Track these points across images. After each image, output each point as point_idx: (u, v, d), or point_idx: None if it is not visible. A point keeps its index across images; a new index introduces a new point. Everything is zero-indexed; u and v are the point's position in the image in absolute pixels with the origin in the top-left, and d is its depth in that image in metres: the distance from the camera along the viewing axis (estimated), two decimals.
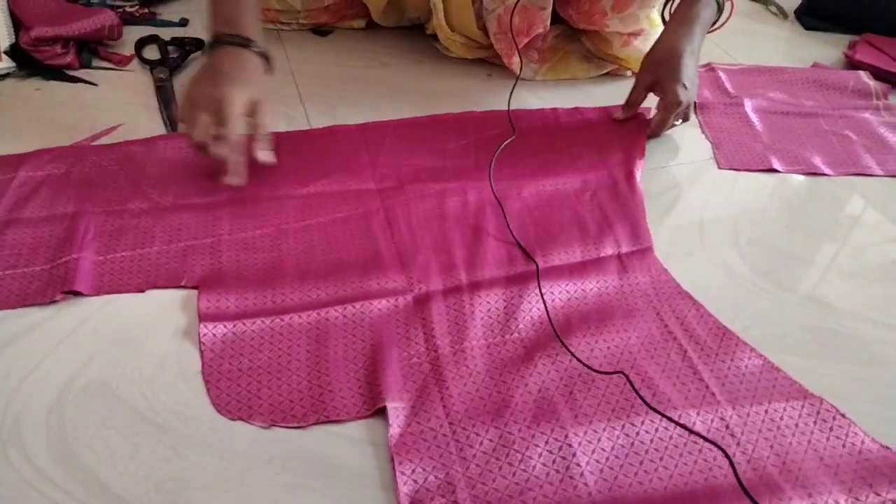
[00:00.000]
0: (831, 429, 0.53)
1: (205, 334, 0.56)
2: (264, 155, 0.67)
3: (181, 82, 0.87)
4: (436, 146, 0.78)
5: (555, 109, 0.86)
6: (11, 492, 0.45)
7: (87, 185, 0.69)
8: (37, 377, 0.53)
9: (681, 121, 0.83)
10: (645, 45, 0.92)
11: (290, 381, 0.54)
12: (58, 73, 0.86)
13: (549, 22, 0.87)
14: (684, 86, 0.77)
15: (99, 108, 0.82)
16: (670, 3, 0.84)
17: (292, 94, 0.87)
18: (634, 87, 0.83)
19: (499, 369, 0.56)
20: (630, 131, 0.84)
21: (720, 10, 0.81)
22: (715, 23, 0.82)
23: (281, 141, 0.77)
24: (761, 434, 0.52)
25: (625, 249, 0.67)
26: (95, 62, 0.90)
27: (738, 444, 0.51)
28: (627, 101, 0.84)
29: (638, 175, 0.77)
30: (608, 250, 0.67)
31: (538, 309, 0.61)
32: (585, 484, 0.48)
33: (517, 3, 0.83)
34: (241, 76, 0.66)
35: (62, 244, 0.62)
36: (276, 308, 0.59)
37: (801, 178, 0.80)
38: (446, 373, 0.55)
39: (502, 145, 0.77)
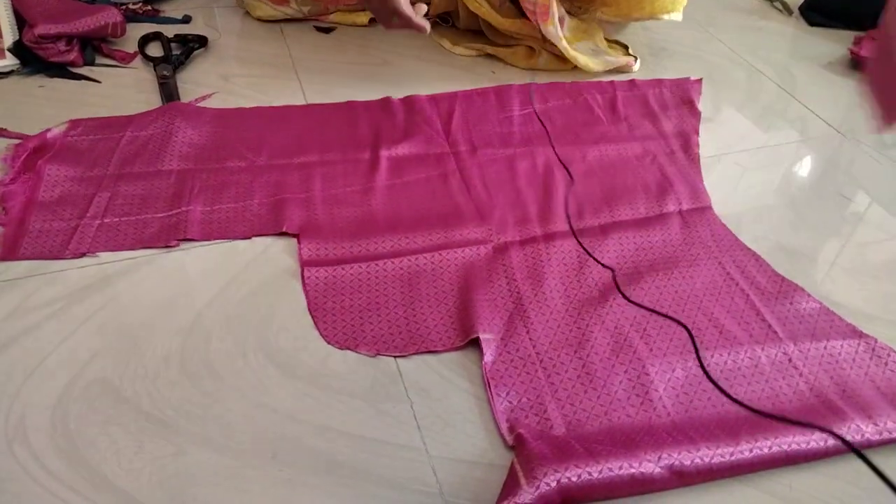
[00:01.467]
0: (886, 363, 0.58)
1: (308, 277, 0.62)
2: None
3: (184, 79, 0.88)
4: (502, 114, 0.84)
5: (612, 82, 0.91)
6: (17, 488, 0.46)
7: (187, 145, 0.75)
8: (41, 374, 0.53)
9: None
10: None
11: (389, 318, 0.59)
12: (61, 71, 0.86)
13: None
14: None
15: (102, 105, 0.81)
16: None
17: (295, 91, 0.88)
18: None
19: (577, 308, 0.61)
20: (682, 104, 0.89)
21: None
22: None
23: (361, 109, 0.83)
24: (821, 367, 0.57)
25: (685, 207, 0.72)
26: (99, 59, 0.90)
27: (800, 374, 0.56)
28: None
29: (694, 146, 0.81)
30: (670, 207, 0.72)
31: (609, 258, 0.66)
32: (664, 406, 0.54)
33: None
34: None
35: (173, 198, 0.68)
36: (371, 255, 0.65)
37: (804, 175, 0.81)
38: (529, 310, 0.60)
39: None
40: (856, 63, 1.03)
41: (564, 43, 0.89)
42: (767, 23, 1.18)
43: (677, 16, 0.96)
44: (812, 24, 1.18)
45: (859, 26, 1.13)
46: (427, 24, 0.77)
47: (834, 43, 1.11)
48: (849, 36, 1.13)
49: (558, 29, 0.88)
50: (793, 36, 1.15)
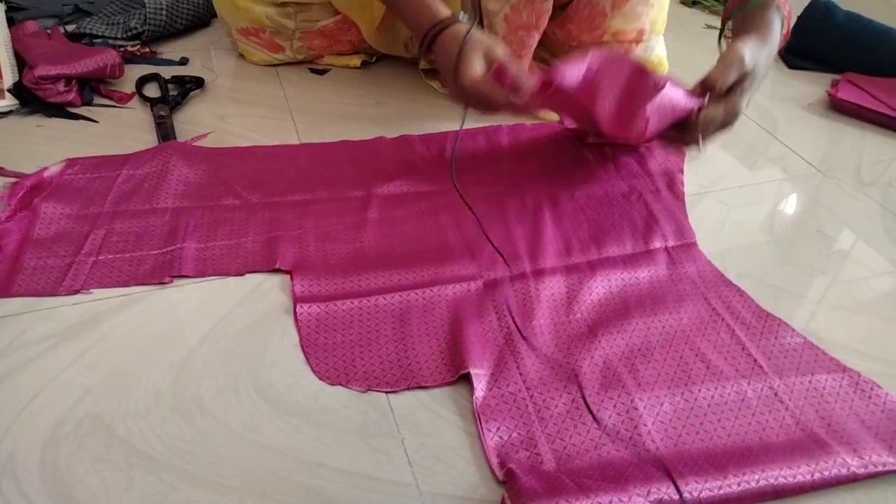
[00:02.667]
0: (870, 397, 0.59)
1: (301, 313, 0.63)
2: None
3: (181, 119, 0.90)
4: (493, 153, 0.86)
5: None
6: None
7: (182, 183, 0.76)
8: (32, 411, 0.53)
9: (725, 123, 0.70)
10: (646, 52, 0.94)
11: (381, 353, 0.60)
12: (59, 111, 0.88)
13: (550, 12, 0.86)
14: (752, 80, 0.69)
15: (99, 144, 0.83)
16: (723, 35, 0.81)
17: (290, 131, 0.90)
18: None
19: (566, 344, 0.62)
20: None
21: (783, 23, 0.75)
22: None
23: (354, 148, 0.85)
24: (807, 401, 0.58)
25: (671, 243, 0.74)
26: (97, 99, 0.92)
27: (786, 408, 0.57)
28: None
29: (679, 184, 0.84)
30: (656, 244, 0.73)
31: (597, 293, 0.67)
32: (653, 440, 0.54)
33: None
34: (454, 58, 0.70)
35: (168, 235, 0.69)
36: (362, 291, 0.65)
37: (787, 212, 0.83)
38: (519, 346, 0.61)
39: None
40: (834, 104, 1.07)
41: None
42: None
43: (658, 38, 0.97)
44: (791, 67, 1.22)
45: (837, 69, 1.18)
46: (528, 84, 0.67)
47: (813, 85, 1.15)
48: (827, 79, 1.17)
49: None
50: (773, 78, 1.18)
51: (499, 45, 0.72)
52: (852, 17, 1.18)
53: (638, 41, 0.93)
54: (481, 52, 0.71)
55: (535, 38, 0.88)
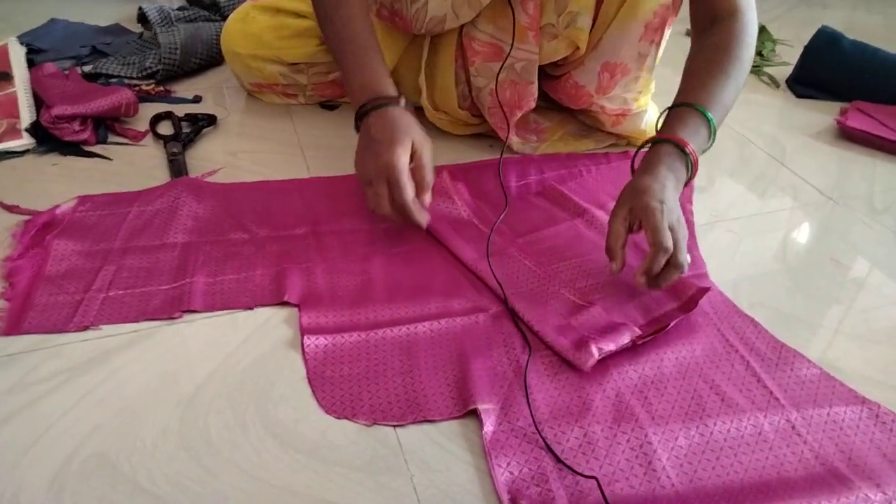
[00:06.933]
0: (891, 429, 0.57)
1: (308, 345, 0.62)
2: (425, 209, 0.73)
3: (193, 156, 0.91)
4: (497, 185, 0.86)
5: (606, 154, 0.94)
6: None
7: (192, 219, 0.77)
8: (39, 450, 0.53)
9: (675, 266, 0.66)
10: (634, 123, 0.95)
11: (388, 386, 0.59)
12: (75, 149, 0.89)
13: (536, 95, 0.89)
14: (661, 202, 0.66)
15: (113, 181, 0.84)
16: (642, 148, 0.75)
17: (300, 165, 0.91)
18: (611, 223, 0.69)
19: (577, 377, 0.61)
20: None
21: (690, 166, 0.70)
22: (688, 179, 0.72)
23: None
24: (825, 434, 0.57)
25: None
26: (111, 138, 0.93)
27: (804, 442, 0.56)
28: (608, 245, 0.69)
29: (688, 213, 0.83)
30: None
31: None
32: (668, 476, 0.53)
33: (506, 77, 0.87)
34: (393, 136, 0.71)
35: (177, 270, 0.70)
36: (370, 323, 0.65)
37: (798, 241, 0.82)
38: (529, 379, 0.60)
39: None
40: (842, 132, 1.07)
41: (539, 150, 0.95)
42: (756, 95, 1.22)
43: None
44: (799, 96, 1.22)
45: (844, 97, 1.18)
46: (426, 219, 0.72)
47: (820, 113, 1.15)
48: (834, 107, 1.16)
49: (523, 144, 0.95)
50: (781, 107, 1.19)
51: (427, 144, 0.74)
52: (858, 46, 1.19)
53: (625, 115, 0.94)
54: (411, 141, 0.72)
55: (518, 115, 0.90)
